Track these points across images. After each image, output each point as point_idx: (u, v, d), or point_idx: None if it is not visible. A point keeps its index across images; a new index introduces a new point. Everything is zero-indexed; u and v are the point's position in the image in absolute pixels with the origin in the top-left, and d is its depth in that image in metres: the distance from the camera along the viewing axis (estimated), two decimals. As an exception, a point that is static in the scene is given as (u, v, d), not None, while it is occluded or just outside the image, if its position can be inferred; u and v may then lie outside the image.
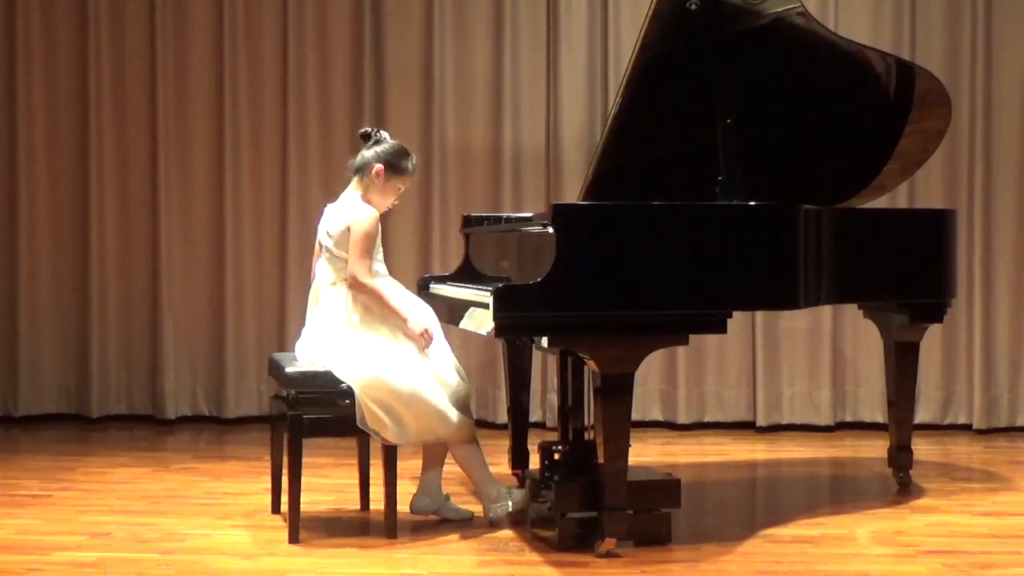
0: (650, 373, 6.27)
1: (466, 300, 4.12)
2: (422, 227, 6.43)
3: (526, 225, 4.28)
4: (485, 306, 3.78)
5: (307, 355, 4.07)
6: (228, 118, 6.44)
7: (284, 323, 6.41)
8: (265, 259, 6.53)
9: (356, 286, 4.01)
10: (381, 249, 4.12)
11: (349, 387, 3.91)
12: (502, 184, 6.39)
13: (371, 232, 4.01)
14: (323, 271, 4.14)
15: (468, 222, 4.93)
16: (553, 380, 5.92)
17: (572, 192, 5.91)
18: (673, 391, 6.35)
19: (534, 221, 4.14)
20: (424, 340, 3.99)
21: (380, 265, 4.13)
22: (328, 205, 4.17)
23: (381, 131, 4.16)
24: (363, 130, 4.19)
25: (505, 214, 5.25)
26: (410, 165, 4.14)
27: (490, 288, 3.73)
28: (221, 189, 6.47)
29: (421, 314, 4.06)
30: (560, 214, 3.70)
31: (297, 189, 6.45)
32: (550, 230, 3.69)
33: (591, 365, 3.77)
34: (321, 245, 4.14)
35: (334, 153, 6.38)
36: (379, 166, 4.08)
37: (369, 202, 4.10)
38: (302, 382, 3.96)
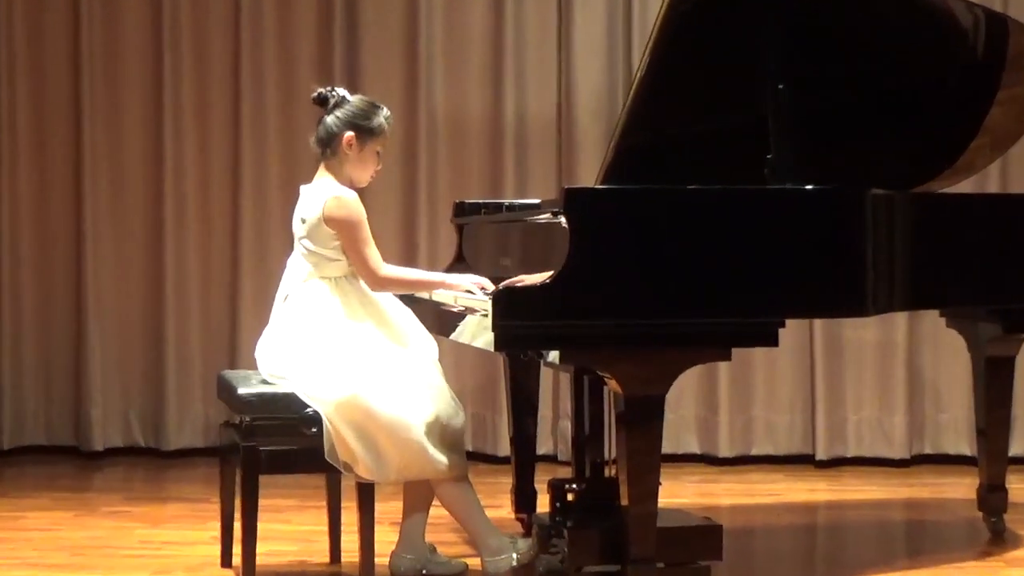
0: (685, 395, 6.27)
1: (459, 305, 4.13)
2: (405, 216, 6.43)
3: (532, 214, 4.28)
4: (483, 313, 3.78)
5: (267, 367, 4.07)
6: (168, 83, 6.45)
7: (236, 336, 6.42)
8: (214, 258, 6.53)
9: (380, 284, 4.06)
10: None
11: (316, 412, 3.91)
12: (503, 164, 6.39)
13: (359, 218, 4.03)
14: (295, 266, 4.14)
15: (461, 210, 4.94)
16: (566, 404, 5.92)
17: (589, 174, 5.91)
18: (713, 417, 6.35)
19: (542, 209, 4.14)
20: (479, 287, 4.06)
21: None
22: (303, 187, 4.18)
23: (336, 89, 4.16)
24: (316, 93, 4.17)
25: (507, 200, 5.26)
26: (384, 120, 4.15)
27: (489, 290, 3.73)
28: (160, 171, 6.48)
29: (457, 276, 4.19)
30: (574, 200, 3.70)
31: (253, 171, 6.46)
32: (562, 220, 3.69)
33: (612, 385, 3.77)
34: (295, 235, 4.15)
35: (298, 126, 6.37)
36: (349, 134, 4.09)
37: (348, 180, 4.11)
38: (258, 406, 3.96)
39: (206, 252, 6.53)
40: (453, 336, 4.16)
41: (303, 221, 4.10)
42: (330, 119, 4.12)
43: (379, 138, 4.15)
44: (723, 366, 6.15)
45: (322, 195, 4.05)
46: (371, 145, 4.14)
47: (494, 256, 4.67)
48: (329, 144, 4.12)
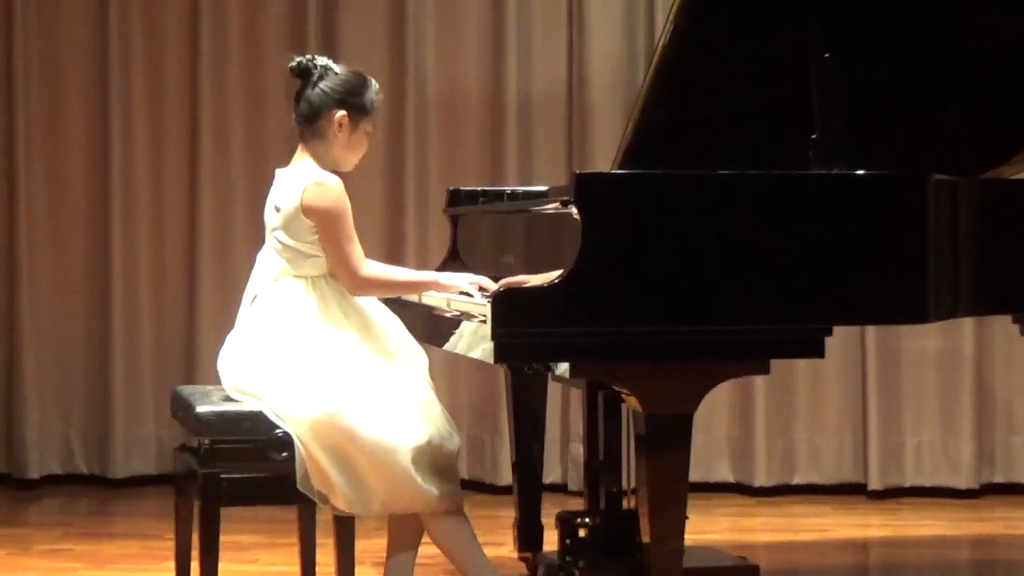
0: (716, 415, 6.28)
1: (454, 310, 4.13)
2: (391, 206, 6.44)
3: (538, 203, 4.29)
4: (480, 319, 3.79)
5: (231, 380, 4.07)
6: (114, 47, 6.46)
7: (194, 344, 6.43)
8: (168, 261, 6.55)
9: (362, 285, 4.06)
10: None
11: (287, 434, 3.92)
12: (504, 146, 6.40)
13: (343, 209, 4.03)
14: (266, 262, 4.15)
15: (456, 199, 4.95)
16: (577, 424, 5.93)
17: (604, 157, 5.93)
18: (748, 441, 6.36)
19: (550, 198, 4.15)
20: (477, 287, 4.06)
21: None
22: (279, 170, 4.18)
23: (318, 58, 4.16)
24: (296, 62, 4.16)
25: (509, 188, 5.27)
26: (375, 96, 4.17)
27: (489, 291, 3.73)
28: (105, 152, 6.50)
29: (452, 275, 4.18)
30: (587, 188, 3.71)
31: (212, 152, 6.47)
32: (572, 210, 3.70)
33: (631, 403, 3.78)
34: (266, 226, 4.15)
35: (266, 105, 6.40)
36: (340, 113, 4.10)
37: (333, 163, 4.11)
38: (220, 426, 3.96)
39: (159, 247, 6.54)
40: (447, 346, 4.16)
41: (278, 210, 4.10)
42: (315, 94, 4.12)
43: (371, 116, 4.17)
44: (760, 381, 6.16)
45: (301, 180, 4.06)
46: (363, 125, 4.15)
47: (494, 252, 4.67)
48: (314, 123, 4.12)
